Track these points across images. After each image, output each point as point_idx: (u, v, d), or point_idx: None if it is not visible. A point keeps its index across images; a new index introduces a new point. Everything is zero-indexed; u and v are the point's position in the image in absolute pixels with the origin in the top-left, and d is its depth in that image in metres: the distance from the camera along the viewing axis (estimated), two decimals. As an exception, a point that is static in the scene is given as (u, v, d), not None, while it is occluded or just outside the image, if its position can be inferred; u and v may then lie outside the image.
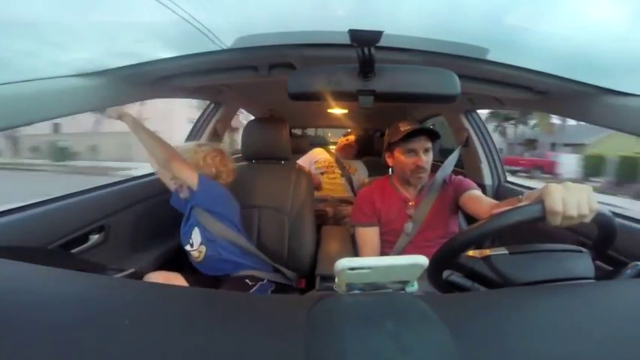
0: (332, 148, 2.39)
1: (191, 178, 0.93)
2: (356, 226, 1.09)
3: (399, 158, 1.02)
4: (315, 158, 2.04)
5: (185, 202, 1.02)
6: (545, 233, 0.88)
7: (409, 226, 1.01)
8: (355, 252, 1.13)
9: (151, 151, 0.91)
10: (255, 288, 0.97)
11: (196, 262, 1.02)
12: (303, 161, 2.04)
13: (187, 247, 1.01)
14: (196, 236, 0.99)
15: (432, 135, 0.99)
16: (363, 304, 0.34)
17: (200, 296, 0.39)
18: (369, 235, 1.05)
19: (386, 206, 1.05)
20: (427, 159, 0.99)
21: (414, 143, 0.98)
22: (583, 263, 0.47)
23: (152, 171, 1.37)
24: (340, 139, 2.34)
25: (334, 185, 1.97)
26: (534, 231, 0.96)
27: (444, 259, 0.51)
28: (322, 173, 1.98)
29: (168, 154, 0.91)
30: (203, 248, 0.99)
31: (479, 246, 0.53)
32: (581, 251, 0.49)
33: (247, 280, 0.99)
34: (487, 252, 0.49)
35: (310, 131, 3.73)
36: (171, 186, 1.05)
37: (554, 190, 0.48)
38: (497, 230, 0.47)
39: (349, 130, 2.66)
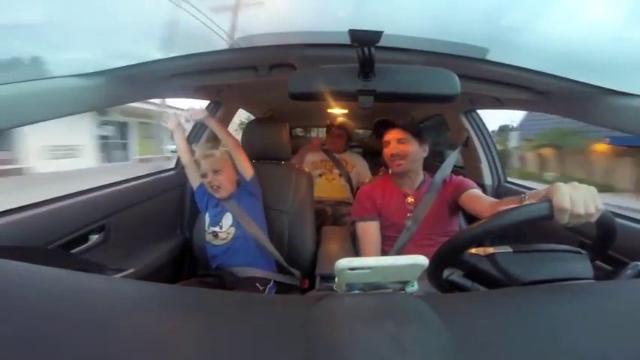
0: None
1: (248, 167, 1.12)
2: (357, 221, 1.09)
3: (383, 151, 1.10)
4: (311, 159, 1.99)
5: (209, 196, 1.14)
6: (546, 233, 0.88)
7: (409, 222, 1.02)
8: (355, 251, 1.13)
9: (224, 139, 1.12)
10: (266, 292, 1.02)
11: (218, 245, 1.08)
12: (295, 160, 1.97)
13: (215, 229, 1.09)
14: (227, 220, 1.09)
15: (404, 127, 1.05)
16: (363, 304, 0.34)
17: (200, 296, 0.39)
18: (369, 229, 1.06)
19: (386, 199, 1.08)
20: (403, 147, 1.04)
21: (387, 135, 1.07)
22: (584, 263, 0.47)
23: (152, 171, 1.38)
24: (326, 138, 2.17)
25: (333, 186, 1.92)
26: (534, 231, 0.96)
27: (448, 256, 0.51)
28: (320, 175, 1.93)
29: (235, 143, 1.13)
30: (232, 230, 1.08)
31: (480, 245, 0.53)
32: (581, 252, 0.49)
33: (257, 284, 1.03)
34: (491, 250, 0.48)
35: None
36: (196, 183, 1.18)
37: (562, 188, 0.48)
38: (502, 228, 0.47)
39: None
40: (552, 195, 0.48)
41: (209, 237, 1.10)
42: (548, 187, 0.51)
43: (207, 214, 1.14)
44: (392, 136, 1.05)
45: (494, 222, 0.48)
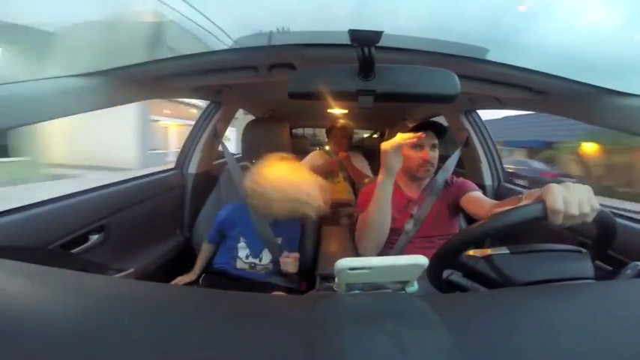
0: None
1: None
2: (362, 213, 1.04)
3: (406, 153, 1.02)
4: (317, 162, 1.99)
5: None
6: (546, 233, 0.88)
7: (409, 225, 1.01)
8: (355, 252, 1.12)
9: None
10: None
11: (248, 270, 1.07)
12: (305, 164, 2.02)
13: (255, 260, 1.07)
14: (267, 255, 1.07)
15: (439, 132, 1.01)
16: (363, 304, 0.34)
17: (200, 296, 0.39)
18: None
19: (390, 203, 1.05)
20: (434, 154, 1.01)
21: (421, 138, 0.99)
22: (583, 263, 0.47)
23: (153, 171, 1.37)
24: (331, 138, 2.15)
25: (336, 188, 1.94)
26: (534, 231, 0.96)
27: (445, 258, 0.51)
28: (325, 177, 1.97)
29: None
30: (271, 265, 1.07)
31: (478, 246, 0.53)
32: (581, 251, 0.49)
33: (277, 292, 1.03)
34: (488, 251, 0.49)
35: (309, 131, 3.73)
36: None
37: (555, 190, 0.48)
38: (498, 229, 0.47)
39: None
40: (545, 196, 0.48)
41: (240, 263, 1.06)
42: (543, 187, 0.51)
43: (243, 241, 1.07)
44: (427, 140, 0.99)
45: (491, 224, 0.48)
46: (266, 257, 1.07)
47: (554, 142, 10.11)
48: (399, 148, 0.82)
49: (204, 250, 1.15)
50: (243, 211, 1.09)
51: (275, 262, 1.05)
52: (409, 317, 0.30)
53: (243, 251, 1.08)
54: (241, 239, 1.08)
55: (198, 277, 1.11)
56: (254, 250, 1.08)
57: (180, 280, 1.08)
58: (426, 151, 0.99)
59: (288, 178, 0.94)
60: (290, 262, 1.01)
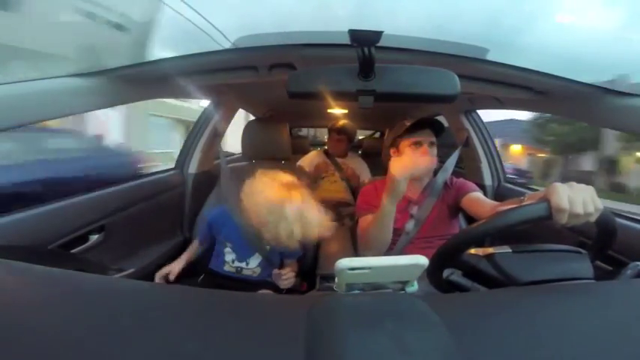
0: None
1: None
2: (362, 215, 1.04)
3: (404, 152, 1.02)
4: (315, 162, 2.00)
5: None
6: (545, 233, 0.88)
7: (410, 225, 1.01)
8: (355, 251, 1.13)
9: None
10: None
11: (236, 274, 1.05)
12: (302, 162, 2.02)
13: (242, 264, 1.04)
14: (254, 259, 1.04)
15: (437, 130, 1.01)
16: (363, 304, 0.34)
17: (200, 296, 0.39)
18: None
19: None
20: (433, 151, 1.00)
21: (420, 136, 0.99)
22: (583, 263, 0.47)
23: (153, 171, 1.38)
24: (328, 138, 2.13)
25: (334, 187, 1.95)
26: (534, 231, 0.96)
27: (447, 256, 0.51)
28: (323, 177, 1.96)
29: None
30: (258, 269, 1.04)
31: (479, 245, 0.53)
32: (581, 251, 0.49)
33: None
34: (490, 250, 0.49)
35: (310, 131, 3.73)
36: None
37: (560, 189, 0.48)
38: (501, 228, 0.47)
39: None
40: (550, 195, 0.48)
41: (227, 267, 1.05)
42: (547, 187, 0.51)
43: (229, 245, 1.04)
44: (426, 138, 0.98)
45: (494, 222, 0.48)
46: (254, 261, 1.04)
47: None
48: (408, 177, 0.76)
49: (192, 247, 1.12)
50: (227, 215, 1.06)
51: (265, 266, 1.03)
52: (409, 317, 0.30)
53: (229, 256, 1.05)
54: (227, 244, 1.05)
55: (182, 271, 1.05)
56: (240, 254, 1.05)
57: (163, 272, 1.01)
58: (425, 150, 0.98)
59: (277, 208, 0.82)
60: (286, 278, 0.96)
